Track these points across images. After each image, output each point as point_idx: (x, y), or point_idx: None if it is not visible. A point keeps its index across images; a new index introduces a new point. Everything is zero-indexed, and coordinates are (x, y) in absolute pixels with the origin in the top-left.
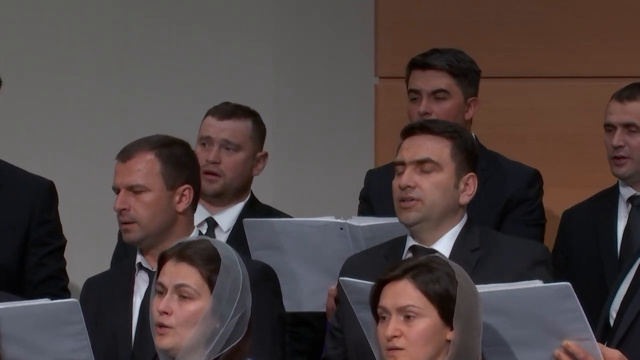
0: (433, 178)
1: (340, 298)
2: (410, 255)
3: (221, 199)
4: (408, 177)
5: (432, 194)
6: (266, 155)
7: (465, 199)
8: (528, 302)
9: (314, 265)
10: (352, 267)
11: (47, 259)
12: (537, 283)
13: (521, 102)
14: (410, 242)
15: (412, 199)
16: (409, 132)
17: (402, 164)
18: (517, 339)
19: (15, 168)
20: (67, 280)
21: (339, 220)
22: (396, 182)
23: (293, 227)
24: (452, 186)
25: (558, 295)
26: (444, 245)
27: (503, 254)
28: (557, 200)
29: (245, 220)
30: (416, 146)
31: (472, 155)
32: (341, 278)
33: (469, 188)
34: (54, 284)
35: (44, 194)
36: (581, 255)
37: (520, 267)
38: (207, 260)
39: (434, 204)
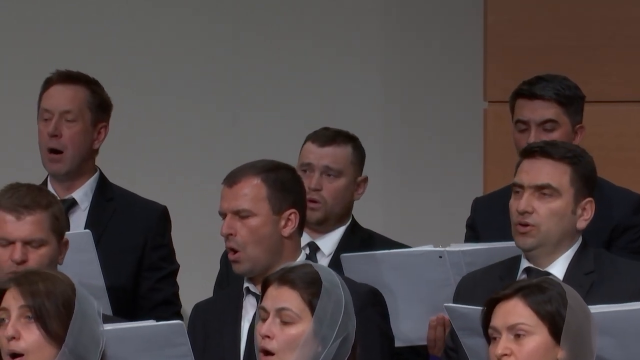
0: (551, 204)
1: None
2: (524, 277)
3: (324, 226)
4: (526, 202)
5: (549, 221)
6: (366, 179)
7: (582, 224)
8: (636, 323)
9: (414, 296)
10: (467, 286)
11: (160, 283)
12: None
13: (632, 127)
14: (525, 263)
15: (528, 225)
16: (529, 153)
17: (521, 186)
18: None
19: (130, 193)
20: (180, 305)
21: (437, 249)
22: (514, 205)
23: (390, 259)
24: (569, 212)
25: None
26: (558, 269)
27: (618, 278)
28: None
29: (343, 255)
30: (536, 170)
31: (590, 180)
32: (446, 304)
33: (586, 213)
34: (167, 308)
35: (158, 219)
36: None
37: (634, 292)
38: (308, 284)
39: (549, 230)
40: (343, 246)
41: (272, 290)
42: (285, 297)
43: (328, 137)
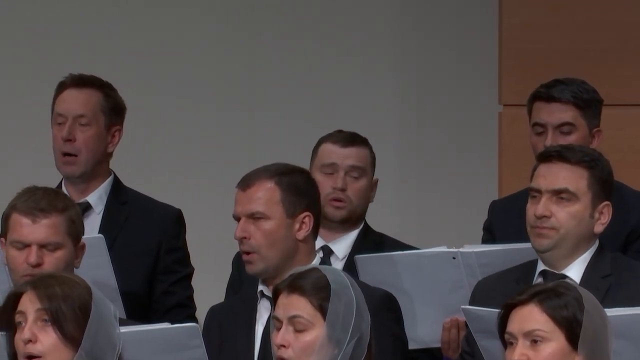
0: (569, 208)
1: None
2: (540, 280)
3: (345, 225)
4: (544, 206)
5: (567, 224)
6: (377, 182)
7: (599, 228)
8: None
9: (427, 298)
10: (482, 290)
11: (175, 286)
12: None
13: None
14: (541, 266)
15: (546, 228)
16: (546, 157)
17: (539, 191)
18: None
19: (144, 196)
20: (195, 308)
21: (451, 250)
22: (531, 209)
23: (404, 260)
24: (587, 216)
25: None
26: (574, 272)
27: (635, 282)
28: None
29: (357, 256)
30: (553, 174)
31: (607, 184)
32: (463, 307)
33: (604, 217)
34: (182, 311)
35: (172, 222)
36: None
37: None
38: (317, 289)
39: (568, 233)
40: (356, 249)
41: (282, 299)
42: (296, 305)
43: (348, 138)
